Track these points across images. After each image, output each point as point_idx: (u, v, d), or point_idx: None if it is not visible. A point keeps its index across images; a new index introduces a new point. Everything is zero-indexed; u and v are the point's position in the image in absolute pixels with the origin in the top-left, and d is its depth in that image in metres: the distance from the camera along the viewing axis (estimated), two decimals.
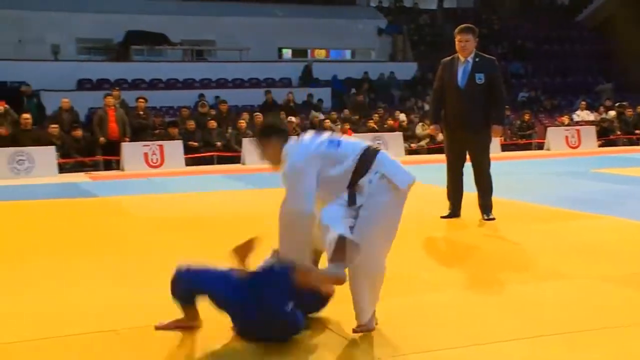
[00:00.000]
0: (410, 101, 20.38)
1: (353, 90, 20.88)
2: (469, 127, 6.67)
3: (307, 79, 21.62)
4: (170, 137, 14.38)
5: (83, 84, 19.57)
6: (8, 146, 12.84)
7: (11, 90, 17.53)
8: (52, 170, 12.86)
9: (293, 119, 16.15)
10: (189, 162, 14.22)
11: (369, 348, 3.40)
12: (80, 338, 3.59)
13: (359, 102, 19.18)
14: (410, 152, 16.26)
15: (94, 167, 13.91)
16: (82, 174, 13.13)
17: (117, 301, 4.24)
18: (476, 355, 3.29)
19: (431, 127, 7.32)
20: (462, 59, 6.71)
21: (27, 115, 13.56)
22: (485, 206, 6.88)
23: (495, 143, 16.68)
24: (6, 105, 13.95)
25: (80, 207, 8.59)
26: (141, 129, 14.56)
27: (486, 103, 6.67)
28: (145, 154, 13.85)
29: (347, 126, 16.47)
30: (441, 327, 3.73)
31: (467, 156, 6.95)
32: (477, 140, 6.75)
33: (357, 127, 16.78)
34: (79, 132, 13.94)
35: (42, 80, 17.16)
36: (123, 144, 13.75)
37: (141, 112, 14.81)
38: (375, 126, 16.79)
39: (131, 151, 13.77)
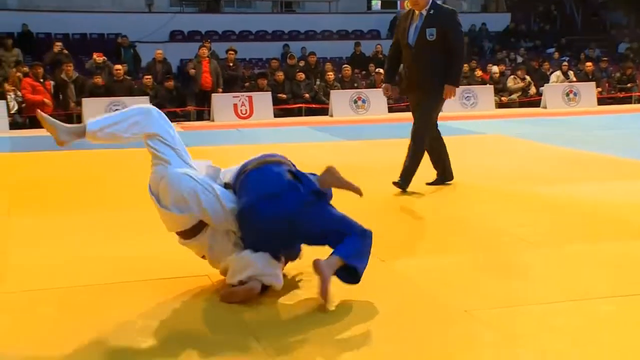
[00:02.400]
0: (502, 53, 19.78)
1: None
2: (419, 89, 6.02)
3: None
4: (259, 89, 14.50)
5: (175, 36, 19.90)
6: (103, 96, 13.27)
7: (108, 42, 18.04)
8: None
9: (381, 70, 15.98)
10: (278, 114, 14.32)
11: (457, 300, 3.37)
12: (168, 281, 3.71)
13: None
14: (501, 105, 15.86)
15: (186, 117, 14.22)
16: (174, 123, 13.43)
17: None
18: (567, 312, 3.21)
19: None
20: (416, 12, 5.97)
21: (119, 66, 13.94)
22: (404, 170, 6.06)
23: (592, 97, 16.09)
24: (104, 57, 14.39)
25: None
26: (231, 80, 14.74)
27: (440, 62, 5.89)
28: (235, 105, 14.04)
29: None
30: (532, 282, 3.66)
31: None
32: (422, 101, 6.04)
33: None
34: (171, 83, 14.24)
35: (136, 32, 17.56)
36: (213, 95, 13.97)
37: (231, 64, 14.97)
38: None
39: (221, 102, 13.98)
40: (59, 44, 14.71)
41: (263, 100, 14.21)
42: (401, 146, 9.78)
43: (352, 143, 9.94)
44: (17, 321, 3.19)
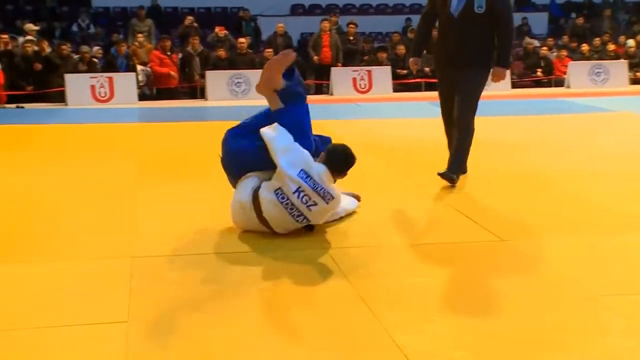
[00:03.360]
0: (638, 25, 18.67)
1: (573, 15, 19.50)
2: (459, 66, 5.30)
3: (523, 2, 20.49)
4: (379, 63, 14.39)
5: (296, 9, 20.06)
6: (225, 69, 13.58)
7: (231, 16, 18.44)
8: None
9: None
10: (397, 88, 14.18)
11: (584, 284, 3.22)
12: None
13: (579, 26, 17.86)
14: (635, 81, 15.00)
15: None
16: None
17: None
18: None
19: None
20: None
21: (242, 40, 14.19)
22: (451, 162, 5.39)
23: None
24: (225, 31, 14.71)
25: None
26: (350, 54, 14.71)
27: (485, 38, 5.25)
28: (354, 79, 14.01)
29: (563, 53, 15.49)
30: None
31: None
32: (463, 78, 5.29)
33: (574, 55, 15.72)
34: None
35: (258, 6, 17.82)
36: (333, 69, 14.00)
37: (351, 38, 14.94)
38: (587, 53, 15.57)
39: (340, 76, 13.99)
40: (191, 17, 15.07)
41: (382, 75, 14.11)
42: (525, 123, 9.47)
43: None
44: (145, 285, 3.32)
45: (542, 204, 4.87)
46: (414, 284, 3.30)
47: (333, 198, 3.87)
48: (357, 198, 4.67)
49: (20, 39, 13.60)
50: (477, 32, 5.22)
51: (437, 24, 5.55)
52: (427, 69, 13.32)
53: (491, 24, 5.21)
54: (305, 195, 3.81)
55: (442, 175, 5.26)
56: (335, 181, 3.96)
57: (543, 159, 6.55)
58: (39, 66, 12.63)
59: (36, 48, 13.09)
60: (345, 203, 4.33)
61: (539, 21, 19.30)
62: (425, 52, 5.68)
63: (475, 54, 5.25)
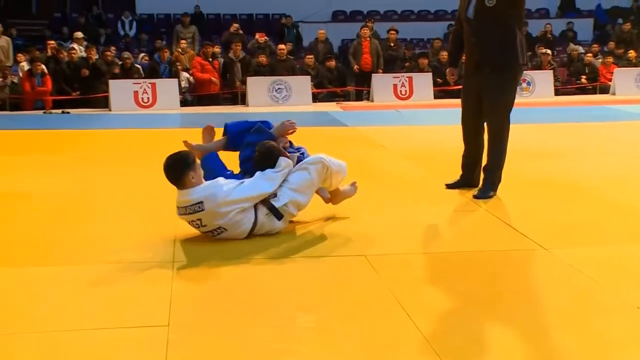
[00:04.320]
0: None
1: (619, 20, 19.15)
2: (483, 69, 5.05)
3: (567, 8, 20.21)
4: (420, 69, 14.32)
5: (337, 16, 20.10)
6: (266, 75, 13.66)
7: (273, 22, 18.56)
8: (307, 99, 13.47)
9: (548, 51, 15.27)
10: (438, 95, 14.09)
11: (629, 294, 3.16)
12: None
13: (626, 32, 17.52)
14: None
15: (345, 97, 14.34)
16: (333, 103, 13.60)
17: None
18: None
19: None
20: None
21: (282, 46, 14.26)
22: (486, 179, 5.20)
23: None
24: (266, 37, 14.79)
25: (331, 136, 8.92)
26: (391, 60, 14.67)
27: (507, 37, 4.95)
28: (395, 86, 13.98)
29: (609, 60, 15.22)
30: None
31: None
32: (489, 86, 5.03)
33: (620, 61, 15.44)
34: (332, 63, 14.40)
35: (300, 12, 17.90)
36: (373, 75, 13.99)
37: (392, 44, 14.90)
38: (633, 59, 15.26)
39: (381, 82, 13.97)
40: (236, 25, 15.16)
41: (423, 81, 14.03)
42: (568, 130, 9.33)
43: (513, 127, 9.56)
44: (186, 288, 3.35)
45: (585, 211, 4.79)
46: (455, 292, 3.27)
47: (201, 201, 3.92)
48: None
49: (67, 46, 13.90)
50: (495, 30, 4.97)
51: None
52: None
53: (508, 19, 4.95)
54: (192, 222, 4.02)
55: (477, 198, 5.08)
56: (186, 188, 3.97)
57: (586, 166, 6.44)
58: (86, 72, 12.88)
59: (83, 55, 13.35)
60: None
61: (584, 27, 19.03)
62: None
63: (498, 55, 5.00)
